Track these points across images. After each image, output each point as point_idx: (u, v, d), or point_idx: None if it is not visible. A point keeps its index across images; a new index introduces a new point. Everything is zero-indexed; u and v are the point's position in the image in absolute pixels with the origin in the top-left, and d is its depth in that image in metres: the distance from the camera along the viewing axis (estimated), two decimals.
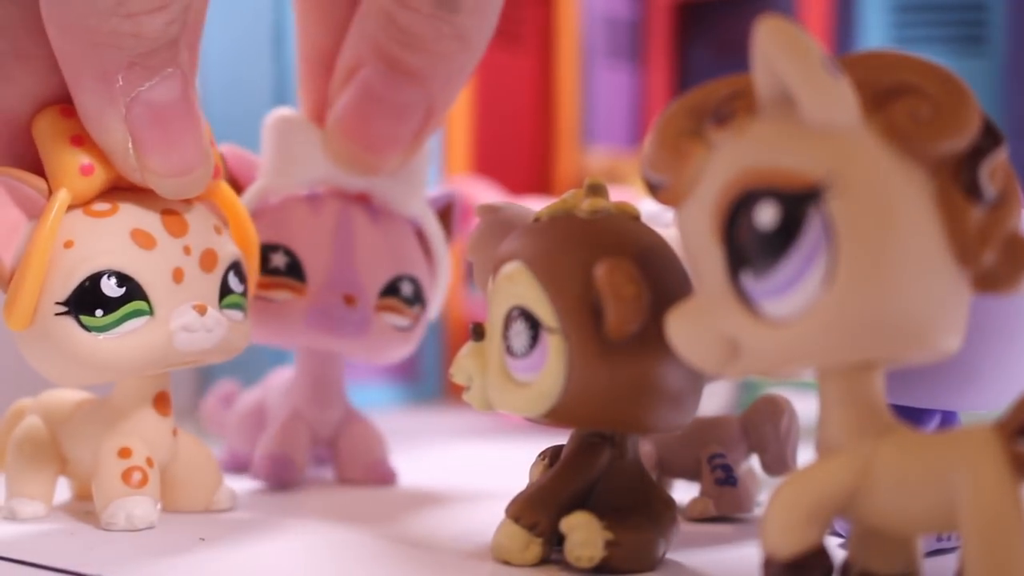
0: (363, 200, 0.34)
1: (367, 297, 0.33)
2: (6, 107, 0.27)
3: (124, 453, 0.29)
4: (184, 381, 0.52)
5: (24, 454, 0.30)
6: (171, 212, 0.28)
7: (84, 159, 0.27)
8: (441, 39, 0.31)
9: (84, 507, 0.31)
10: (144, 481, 0.28)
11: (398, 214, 0.35)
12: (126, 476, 0.28)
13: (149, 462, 0.29)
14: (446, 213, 0.37)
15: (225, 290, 0.29)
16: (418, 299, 0.34)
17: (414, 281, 0.34)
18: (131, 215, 0.27)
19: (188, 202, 0.29)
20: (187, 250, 0.28)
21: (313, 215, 0.33)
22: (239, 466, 0.36)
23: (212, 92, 0.52)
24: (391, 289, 0.33)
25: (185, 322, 0.27)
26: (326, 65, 0.33)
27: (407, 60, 0.31)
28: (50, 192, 0.27)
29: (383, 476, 0.35)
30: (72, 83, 0.27)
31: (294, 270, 0.32)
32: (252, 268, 0.31)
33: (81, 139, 0.27)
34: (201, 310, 0.28)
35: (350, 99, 0.32)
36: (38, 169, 0.27)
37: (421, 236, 0.35)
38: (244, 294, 0.29)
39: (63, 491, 0.32)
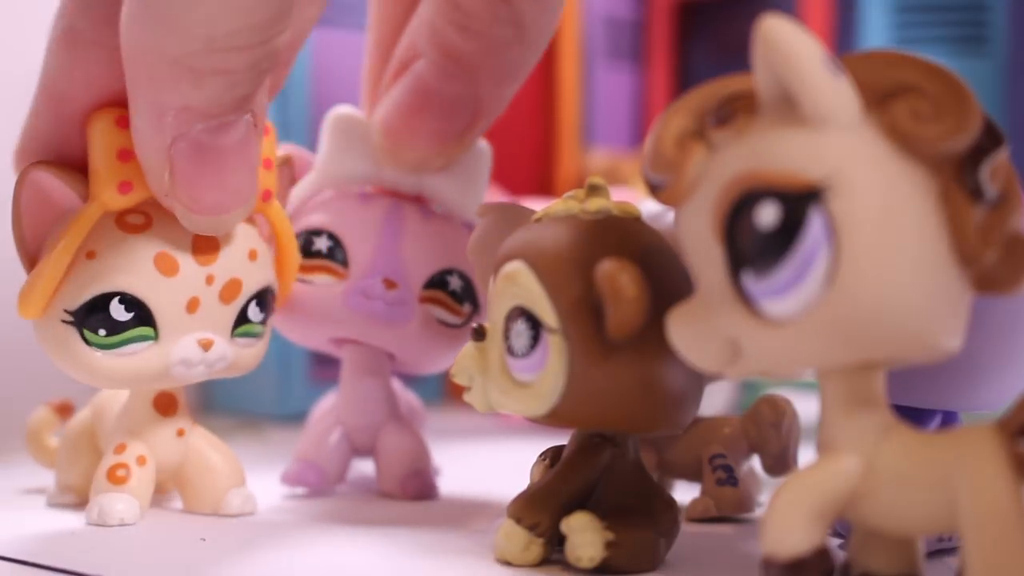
0: (418, 200, 0.33)
1: (410, 285, 0.32)
2: (68, 89, 0.27)
3: (119, 449, 0.29)
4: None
5: (69, 443, 0.32)
6: (206, 237, 0.28)
7: (124, 177, 0.27)
8: (497, 22, 0.30)
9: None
10: (128, 478, 0.28)
11: (455, 217, 0.34)
12: (112, 472, 0.28)
13: (140, 460, 0.29)
14: None
15: (242, 319, 0.28)
16: (469, 297, 0.33)
17: (465, 277, 0.33)
18: (161, 234, 0.27)
19: None
20: (209, 279, 0.28)
21: (362, 207, 0.33)
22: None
23: None
24: (438, 281, 0.32)
25: (185, 357, 0.27)
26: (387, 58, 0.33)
27: (460, 46, 0.30)
28: (87, 192, 0.27)
29: (416, 490, 0.33)
30: (130, 99, 0.26)
31: (336, 254, 0.32)
32: (284, 290, 0.31)
33: (127, 155, 0.27)
34: (206, 346, 0.28)
35: (402, 93, 0.31)
36: (82, 153, 0.27)
37: None
38: (264, 322, 0.29)
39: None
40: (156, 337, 0.27)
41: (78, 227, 0.26)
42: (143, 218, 0.27)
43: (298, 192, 0.33)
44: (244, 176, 0.27)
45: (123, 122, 0.27)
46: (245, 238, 0.29)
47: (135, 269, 0.27)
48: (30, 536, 0.28)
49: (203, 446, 0.30)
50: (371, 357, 0.34)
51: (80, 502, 0.31)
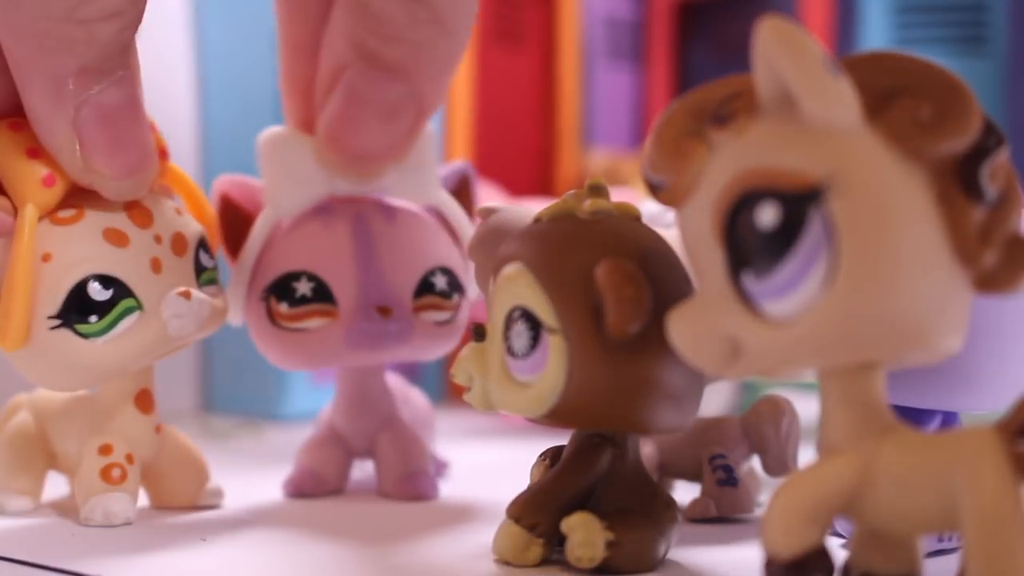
0: (376, 201, 0.33)
1: (402, 303, 0.31)
2: None
3: (105, 450, 0.29)
4: (185, 382, 0.52)
5: (13, 449, 0.31)
6: (134, 205, 0.28)
7: (43, 171, 0.27)
8: (418, 25, 0.29)
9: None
10: (123, 477, 0.29)
11: (415, 206, 0.33)
12: (105, 472, 0.29)
13: (129, 459, 0.29)
14: (463, 189, 0.35)
15: (199, 268, 0.29)
16: (455, 288, 0.33)
17: (447, 271, 0.32)
18: (98, 216, 0.28)
19: None
20: (158, 239, 0.28)
21: (327, 232, 0.32)
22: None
23: (212, 93, 0.52)
24: (425, 287, 0.32)
25: (175, 310, 0.28)
26: (309, 63, 0.32)
27: (387, 54, 0.29)
28: (14, 208, 0.27)
29: (414, 491, 0.33)
30: (22, 85, 0.26)
31: (322, 294, 0.31)
32: (214, 242, 0.31)
33: (36, 151, 0.27)
34: (187, 296, 0.28)
35: (337, 105, 0.30)
36: None
37: (445, 221, 0.34)
38: (215, 267, 0.30)
39: (62, 488, 0.32)
40: (140, 306, 0.28)
41: (26, 239, 0.27)
42: (75, 210, 0.28)
43: (257, 232, 0.32)
44: (144, 130, 0.28)
45: (16, 126, 0.27)
46: (165, 200, 0.30)
47: (93, 251, 0.27)
48: (30, 536, 0.28)
49: (177, 442, 0.31)
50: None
51: (35, 505, 0.31)
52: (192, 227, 0.30)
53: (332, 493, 0.34)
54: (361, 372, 0.34)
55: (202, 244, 0.30)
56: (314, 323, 0.31)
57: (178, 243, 0.29)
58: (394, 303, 0.31)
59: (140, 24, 0.26)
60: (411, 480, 0.33)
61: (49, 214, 0.27)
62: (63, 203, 0.28)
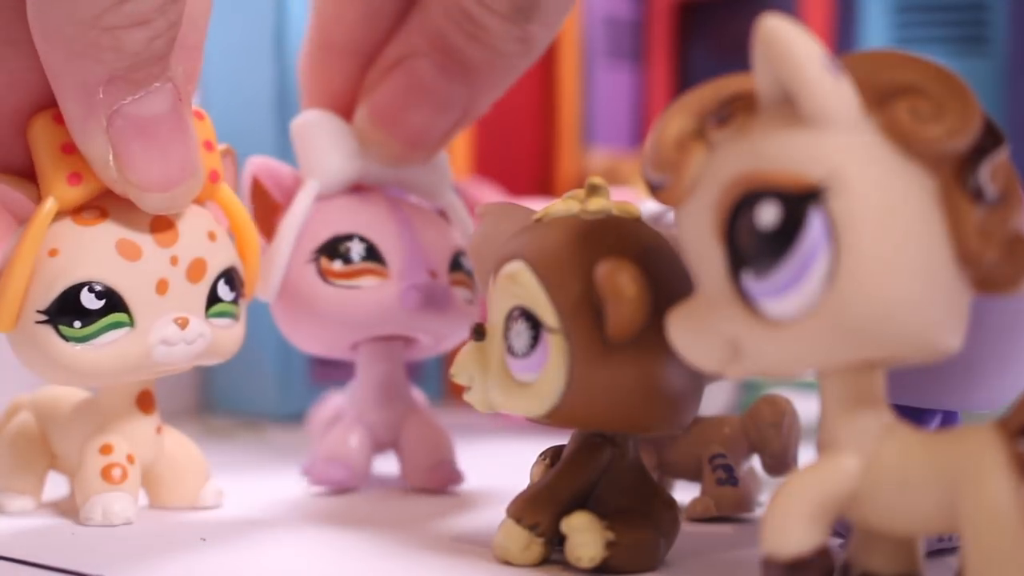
0: (394, 194, 0.35)
1: (443, 272, 0.33)
2: None
3: (105, 450, 0.29)
4: (185, 382, 0.51)
5: (14, 449, 0.31)
6: (162, 221, 0.28)
7: (72, 168, 0.27)
8: (508, 40, 0.31)
9: None
10: (124, 477, 0.29)
11: (429, 205, 0.35)
12: (106, 472, 0.29)
13: (130, 459, 0.29)
14: None
15: (213, 299, 0.29)
16: (472, 275, 0.34)
17: (466, 257, 0.34)
18: (119, 224, 0.27)
19: None
20: (174, 260, 0.28)
21: (367, 204, 0.33)
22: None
23: (212, 92, 0.52)
24: (457, 264, 0.34)
25: (165, 336, 0.28)
26: (356, 54, 0.33)
27: (467, 51, 0.31)
28: (40, 198, 0.27)
29: (443, 480, 0.34)
30: (56, 91, 0.26)
31: (373, 255, 0.32)
32: (251, 273, 0.31)
33: (71, 147, 0.27)
34: (183, 324, 0.28)
35: (394, 87, 0.32)
36: (25, 157, 0.27)
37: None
38: (236, 301, 0.29)
39: (62, 488, 0.32)
40: (132, 323, 0.27)
41: (36, 229, 0.27)
42: (98, 212, 0.28)
43: (301, 203, 0.33)
44: (184, 146, 0.27)
45: (60, 118, 0.27)
46: (202, 220, 0.29)
47: (98, 259, 0.27)
48: (31, 536, 0.28)
49: (175, 444, 0.31)
50: (387, 349, 0.34)
51: (36, 505, 0.31)
52: (221, 256, 0.29)
53: (357, 484, 0.34)
54: (385, 360, 0.34)
55: (226, 275, 0.29)
56: (367, 281, 0.32)
57: (195, 269, 0.28)
58: (438, 270, 0.33)
59: (174, 35, 0.26)
60: (440, 469, 0.34)
61: (73, 212, 0.27)
62: (90, 203, 0.27)
